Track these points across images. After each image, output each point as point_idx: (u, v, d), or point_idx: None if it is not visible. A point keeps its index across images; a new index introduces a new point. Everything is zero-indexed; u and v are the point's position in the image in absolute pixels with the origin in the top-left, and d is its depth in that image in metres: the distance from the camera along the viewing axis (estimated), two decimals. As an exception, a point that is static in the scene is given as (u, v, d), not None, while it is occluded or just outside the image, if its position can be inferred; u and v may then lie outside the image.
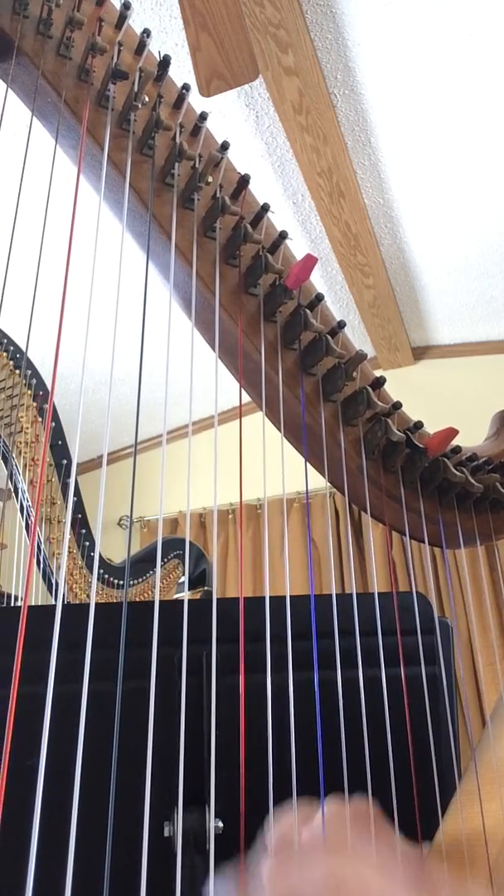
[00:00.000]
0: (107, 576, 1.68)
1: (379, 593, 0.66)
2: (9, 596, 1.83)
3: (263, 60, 2.09)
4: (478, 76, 2.21)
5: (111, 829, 0.42)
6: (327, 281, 3.14)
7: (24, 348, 1.47)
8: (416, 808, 0.56)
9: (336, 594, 0.59)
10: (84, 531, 1.58)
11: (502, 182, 2.62)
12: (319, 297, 0.64)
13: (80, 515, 1.58)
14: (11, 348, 1.47)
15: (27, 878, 0.35)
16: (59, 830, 0.37)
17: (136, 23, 0.62)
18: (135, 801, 0.42)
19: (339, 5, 2.04)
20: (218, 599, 0.59)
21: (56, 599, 1.52)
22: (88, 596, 1.56)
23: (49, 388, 1.52)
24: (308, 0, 2.02)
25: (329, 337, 0.63)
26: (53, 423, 1.51)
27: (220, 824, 0.60)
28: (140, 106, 0.59)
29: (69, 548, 1.55)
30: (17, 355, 1.48)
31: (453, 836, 0.54)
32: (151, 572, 1.77)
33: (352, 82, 2.27)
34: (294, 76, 2.17)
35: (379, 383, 0.66)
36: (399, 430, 0.65)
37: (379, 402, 0.65)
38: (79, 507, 1.59)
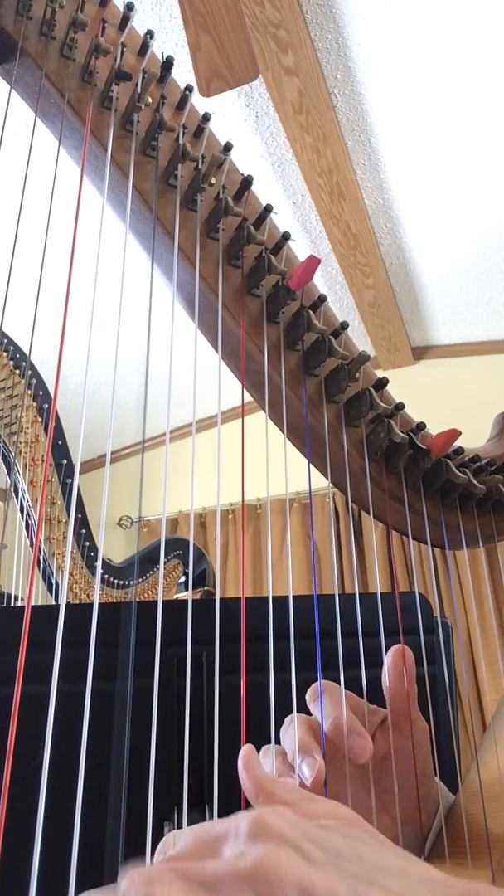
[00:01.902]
0: (107, 576, 1.68)
1: (380, 593, 0.66)
2: (9, 596, 1.83)
3: (263, 60, 2.09)
4: (478, 76, 2.21)
5: (123, 829, 0.42)
6: (327, 281, 3.14)
7: (24, 349, 1.48)
8: (419, 807, 0.56)
9: (337, 594, 0.59)
10: (84, 531, 1.58)
11: (502, 182, 2.62)
12: (322, 299, 0.64)
13: (79, 515, 1.58)
14: (11, 348, 1.47)
15: (30, 878, 0.35)
16: (62, 830, 0.37)
17: (136, 23, 0.62)
18: (136, 801, 0.42)
19: (339, 5, 2.04)
20: (219, 599, 0.59)
21: (56, 599, 1.52)
22: (88, 595, 1.56)
23: (49, 388, 1.52)
24: (308, 0, 2.02)
25: (332, 338, 0.63)
26: (54, 424, 1.51)
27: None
28: (143, 107, 0.59)
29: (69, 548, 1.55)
30: (17, 355, 1.48)
31: (455, 834, 0.54)
32: (152, 572, 1.77)
33: (352, 82, 2.27)
34: (294, 76, 2.18)
35: (382, 384, 0.66)
36: (402, 432, 0.65)
37: (381, 404, 0.65)
38: (78, 506, 1.59)
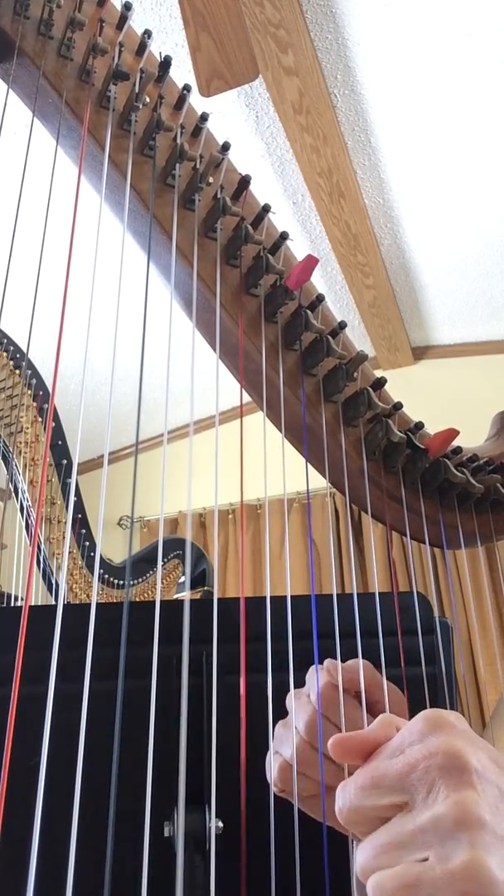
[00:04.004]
0: (107, 576, 1.68)
1: (379, 593, 0.66)
2: (9, 596, 1.83)
3: (263, 60, 2.09)
4: (478, 76, 2.21)
5: (111, 829, 0.42)
6: (327, 281, 3.14)
7: (24, 348, 1.48)
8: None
9: (336, 594, 0.59)
10: (84, 531, 1.58)
11: (502, 182, 2.62)
12: (320, 298, 0.64)
13: (79, 515, 1.58)
14: (11, 348, 1.47)
15: (29, 876, 0.35)
16: (60, 830, 0.37)
17: (136, 23, 0.62)
18: (135, 800, 0.42)
19: (339, 5, 2.04)
20: (218, 599, 0.59)
21: (56, 599, 1.52)
22: (88, 595, 1.56)
23: (49, 388, 1.52)
24: (308, 0, 2.02)
25: (330, 338, 0.63)
26: (53, 424, 1.51)
27: (220, 824, 0.60)
28: (141, 107, 0.59)
29: (69, 548, 1.55)
30: (17, 355, 1.48)
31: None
32: (151, 572, 1.77)
33: (352, 82, 2.27)
34: (294, 76, 2.17)
35: (380, 384, 0.66)
36: (400, 431, 0.65)
37: (380, 403, 0.65)
38: (79, 507, 1.59)
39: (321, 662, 0.57)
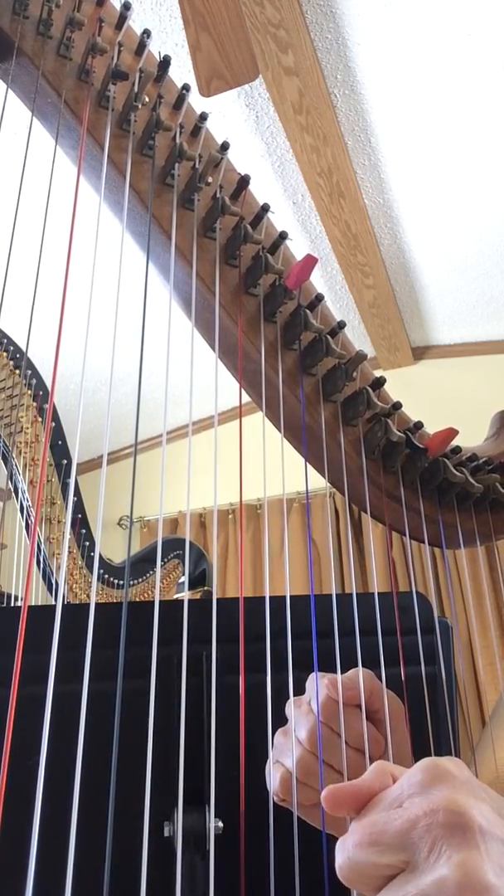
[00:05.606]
0: (107, 576, 1.68)
1: (379, 593, 0.66)
2: (9, 596, 1.83)
3: (263, 60, 2.09)
4: (478, 76, 2.21)
5: (111, 829, 0.42)
6: (327, 281, 3.14)
7: (24, 348, 1.48)
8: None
9: (336, 594, 0.59)
10: (84, 531, 1.58)
11: (502, 182, 2.62)
12: (319, 298, 0.64)
13: (79, 515, 1.58)
14: (11, 348, 1.47)
15: (27, 878, 0.35)
16: (60, 830, 0.37)
17: (136, 23, 0.62)
18: (134, 801, 0.42)
19: (339, 5, 2.04)
20: (218, 599, 0.59)
21: (56, 599, 1.52)
22: (88, 595, 1.56)
23: (49, 387, 1.52)
24: (308, 0, 2.02)
25: (329, 337, 0.63)
26: (53, 424, 1.51)
27: (220, 824, 0.60)
28: (140, 106, 0.59)
29: (69, 548, 1.55)
30: (17, 355, 1.48)
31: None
32: (151, 572, 1.77)
33: (352, 82, 2.27)
34: (294, 76, 2.17)
35: (379, 384, 0.66)
36: (399, 431, 0.65)
37: (379, 403, 0.65)
38: (79, 507, 1.59)
39: (321, 662, 0.57)
